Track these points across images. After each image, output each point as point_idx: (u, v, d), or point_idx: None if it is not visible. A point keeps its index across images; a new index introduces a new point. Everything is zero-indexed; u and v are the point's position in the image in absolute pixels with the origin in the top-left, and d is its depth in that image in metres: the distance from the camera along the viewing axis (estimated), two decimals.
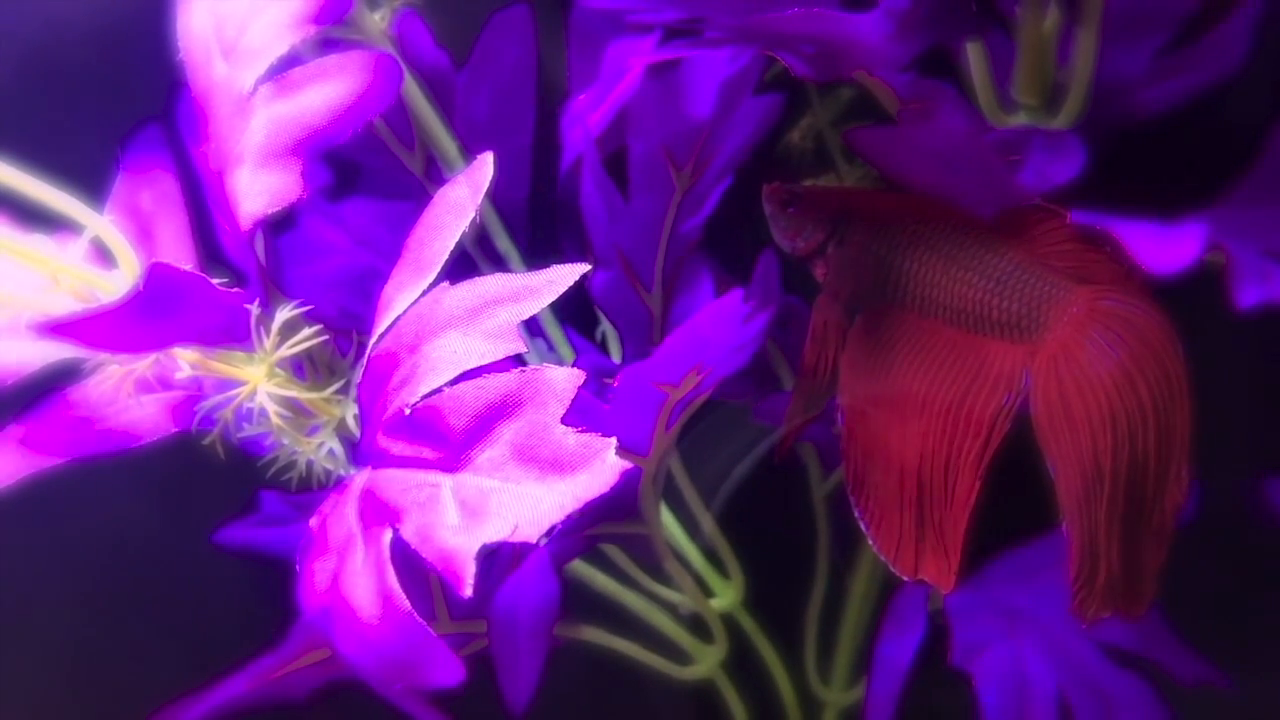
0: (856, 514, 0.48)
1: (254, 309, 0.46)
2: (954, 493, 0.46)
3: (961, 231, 0.48)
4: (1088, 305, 0.45)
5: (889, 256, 0.49)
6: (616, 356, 0.59)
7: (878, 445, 0.48)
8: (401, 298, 0.44)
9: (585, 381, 0.40)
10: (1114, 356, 0.44)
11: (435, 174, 0.59)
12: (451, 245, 0.44)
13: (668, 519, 0.60)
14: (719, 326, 0.49)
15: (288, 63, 0.47)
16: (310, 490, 0.49)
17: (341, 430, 0.48)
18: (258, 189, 0.46)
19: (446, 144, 0.58)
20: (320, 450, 0.47)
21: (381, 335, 0.44)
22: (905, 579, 0.48)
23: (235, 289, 0.46)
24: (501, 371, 0.41)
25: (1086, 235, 0.45)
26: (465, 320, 0.42)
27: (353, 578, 0.41)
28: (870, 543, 0.48)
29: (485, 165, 0.44)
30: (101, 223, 0.47)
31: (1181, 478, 0.45)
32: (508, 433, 0.40)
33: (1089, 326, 0.45)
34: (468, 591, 0.38)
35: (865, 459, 0.48)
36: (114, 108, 0.57)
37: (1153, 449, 0.44)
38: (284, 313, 0.47)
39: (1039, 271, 0.46)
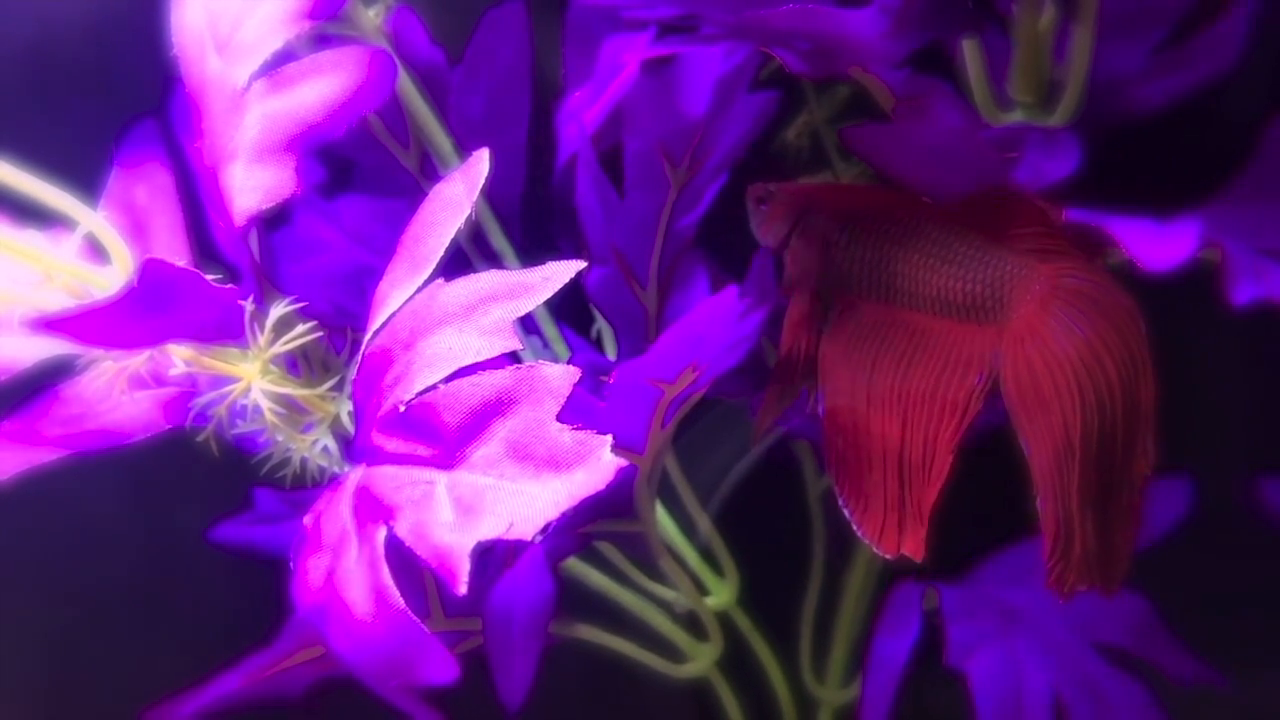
0: (839, 499, 0.49)
1: (248, 305, 0.46)
2: (931, 472, 0.47)
3: (922, 219, 0.48)
4: (1050, 284, 0.45)
5: (851, 248, 0.50)
6: (611, 354, 0.59)
7: (858, 432, 0.48)
8: (396, 294, 0.44)
9: (581, 379, 0.40)
10: (1079, 333, 0.45)
11: (430, 171, 0.59)
12: (447, 242, 0.44)
13: (663, 517, 0.60)
14: (714, 324, 0.49)
15: (282, 58, 0.47)
16: (304, 487, 0.48)
17: (336, 427, 0.47)
18: (252, 185, 0.46)
19: (441, 141, 0.58)
20: (314, 447, 0.47)
21: (376, 332, 0.44)
22: (888, 556, 0.48)
23: (229, 285, 0.45)
24: (497, 369, 0.41)
25: (1047, 215, 0.45)
26: (460, 317, 0.42)
27: (347, 575, 0.41)
28: (853, 525, 0.48)
29: (481, 162, 0.44)
30: (95, 218, 0.47)
31: (1148, 450, 0.45)
32: (503, 430, 0.40)
33: (1052, 305, 0.45)
34: (462, 589, 0.38)
35: (847, 446, 0.48)
36: (108, 103, 0.57)
37: (1120, 422, 0.45)
38: (278, 309, 0.46)
39: (1000, 253, 0.47)
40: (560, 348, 0.59)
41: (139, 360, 0.48)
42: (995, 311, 0.46)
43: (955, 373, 0.46)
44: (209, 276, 0.44)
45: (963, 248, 0.47)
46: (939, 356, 0.47)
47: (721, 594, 0.60)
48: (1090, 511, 0.45)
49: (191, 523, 0.59)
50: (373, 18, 0.56)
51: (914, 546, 0.47)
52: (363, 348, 0.44)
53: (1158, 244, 0.40)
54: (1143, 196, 0.43)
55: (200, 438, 0.48)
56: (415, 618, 0.39)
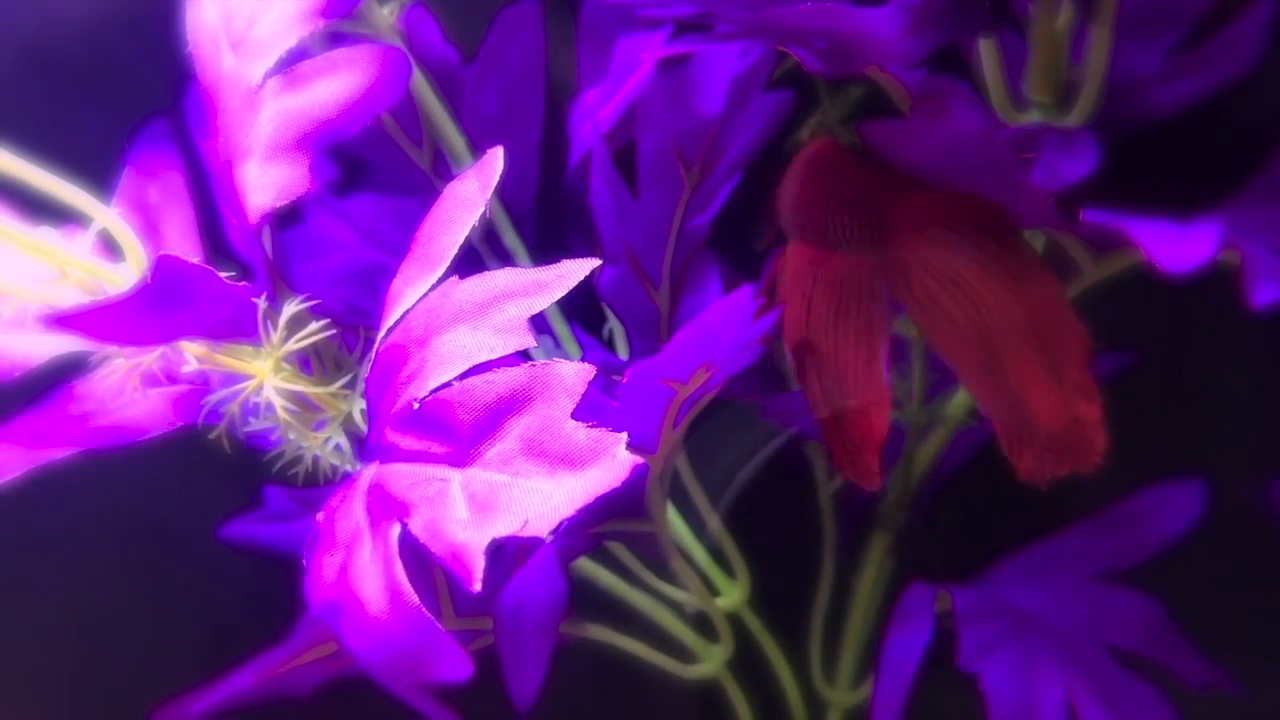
0: (825, 448, 0.51)
1: (261, 303, 0.46)
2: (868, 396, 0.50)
3: (821, 157, 0.51)
4: (924, 208, 0.48)
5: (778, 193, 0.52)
6: (623, 354, 0.59)
7: (809, 364, 0.51)
8: (410, 292, 0.44)
9: (593, 378, 0.40)
10: (964, 250, 0.48)
11: (443, 169, 0.58)
12: (460, 240, 0.43)
13: (674, 517, 0.60)
14: (728, 324, 0.49)
15: (296, 56, 0.47)
16: (316, 486, 0.48)
17: (348, 425, 0.47)
18: (265, 182, 0.46)
19: (455, 139, 0.58)
20: (327, 445, 0.47)
21: (390, 329, 0.44)
22: (865, 488, 0.51)
23: (243, 283, 0.45)
24: (510, 366, 0.41)
25: None
26: (474, 314, 0.42)
27: (360, 572, 0.41)
28: (836, 469, 0.51)
29: (495, 160, 0.44)
30: (109, 215, 0.47)
31: (1077, 328, 0.47)
32: (517, 427, 0.40)
33: (929, 228, 0.48)
34: (477, 587, 0.38)
35: (807, 377, 0.51)
36: (122, 100, 0.57)
37: (1037, 309, 0.47)
38: (291, 307, 0.46)
39: (873, 186, 0.49)
40: (571, 347, 0.59)
41: (152, 357, 0.48)
42: (880, 244, 0.49)
43: (861, 304, 0.49)
44: (222, 274, 0.44)
45: (842, 185, 0.50)
46: (846, 289, 0.50)
47: (732, 595, 0.60)
48: (1042, 395, 0.47)
49: (203, 520, 0.59)
50: (387, 16, 0.56)
51: (866, 475, 0.49)
52: (376, 345, 0.44)
53: (1177, 245, 0.40)
54: (1161, 198, 0.42)
55: (212, 435, 0.48)
56: (430, 614, 0.39)
